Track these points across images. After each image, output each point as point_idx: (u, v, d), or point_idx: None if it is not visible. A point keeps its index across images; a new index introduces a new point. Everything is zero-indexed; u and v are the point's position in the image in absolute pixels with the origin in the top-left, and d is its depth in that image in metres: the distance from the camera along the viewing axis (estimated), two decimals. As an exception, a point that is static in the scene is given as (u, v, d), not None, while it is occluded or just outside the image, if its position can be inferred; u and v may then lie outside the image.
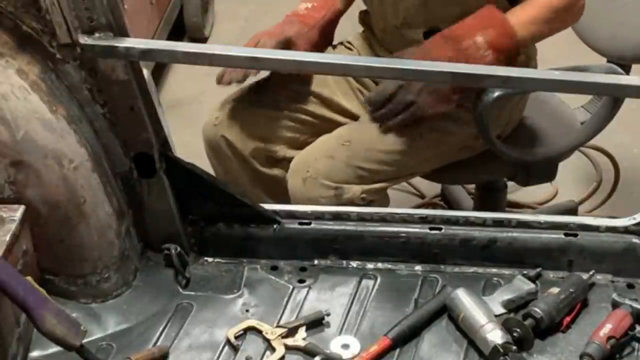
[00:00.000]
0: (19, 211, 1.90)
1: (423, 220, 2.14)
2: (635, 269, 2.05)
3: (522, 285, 2.00)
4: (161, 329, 1.98)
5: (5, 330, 1.83)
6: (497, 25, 2.17)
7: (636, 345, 1.88)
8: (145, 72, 1.99)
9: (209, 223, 2.17)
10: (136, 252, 2.12)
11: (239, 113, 2.49)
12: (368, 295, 2.06)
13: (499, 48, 2.15)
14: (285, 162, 2.52)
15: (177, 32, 4.39)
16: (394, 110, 2.08)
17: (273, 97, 2.52)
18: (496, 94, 2.34)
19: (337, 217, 2.15)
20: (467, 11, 2.35)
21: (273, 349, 1.91)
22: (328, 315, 1.98)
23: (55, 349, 1.83)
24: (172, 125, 2.14)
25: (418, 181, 3.24)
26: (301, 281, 2.10)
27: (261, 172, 2.54)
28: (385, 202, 2.56)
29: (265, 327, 1.95)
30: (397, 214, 2.15)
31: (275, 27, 2.54)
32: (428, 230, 2.12)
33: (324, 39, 2.56)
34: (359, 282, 2.09)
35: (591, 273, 2.02)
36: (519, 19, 2.23)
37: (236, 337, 1.94)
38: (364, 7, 2.59)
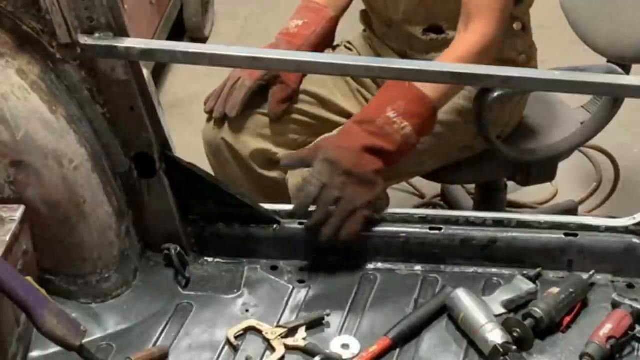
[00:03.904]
0: (19, 211, 1.90)
1: (423, 220, 2.14)
2: (635, 269, 2.05)
3: (522, 285, 2.00)
4: (161, 329, 1.98)
5: (5, 330, 1.83)
6: (404, 94, 2.16)
7: (636, 345, 1.88)
8: (145, 72, 1.99)
9: (209, 223, 2.17)
10: (136, 252, 2.12)
11: (238, 115, 2.48)
12: (368, 295, 2.06)
13: (413, 115, 2.14)
14: (284, 164, 2.52)
15: (177, 32, 4.39)
16: (325, 212, 2.04)
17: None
18: (496, 94, 2.34)
19: (337, 217, 2.15)
20: None
21: (273, 349, 1.91)
22: (328, 315, 1.98)
23: (55, 349, 1.83)
24: (172, 125, 2.14)
25: (418, 181, 3.24)
26: (301, 281, 2.10)
27: (260, 174, 2.54)
28: (385, 202, 2.56)
29: (265, 327, 1.95)
30: (397, 214, 2.15)
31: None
32: (428, 230, 2.12)
33: None
34: (359, 282, 2.09)
35: (591, 273, 2.02)
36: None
37: (236, 337, 1.94)
38: (364, 7, 2.59)
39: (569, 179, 3.42)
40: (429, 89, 2.19)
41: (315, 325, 1.97)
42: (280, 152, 2.51)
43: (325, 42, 2.56)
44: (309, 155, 2.13)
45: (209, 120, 2.53)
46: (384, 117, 2.13)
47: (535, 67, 2.52)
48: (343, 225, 2.06)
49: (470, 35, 2.24)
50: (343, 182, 2.06)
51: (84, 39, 1.88)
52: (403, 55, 2.48)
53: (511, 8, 2.27)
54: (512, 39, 2.43)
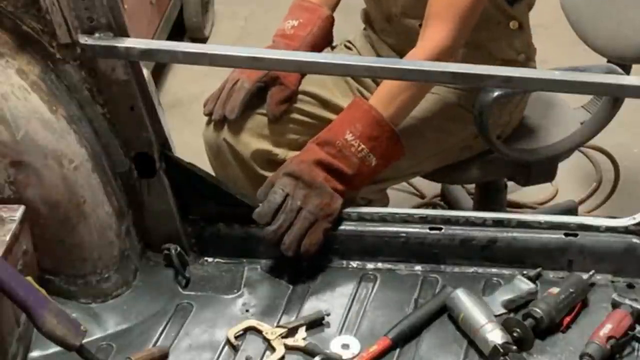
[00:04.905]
0: (19, 211, 1.90)
1: (423, 220, 2.14)
2: (635, 269, 2.05)
3: (522, 285, 2.00)
4: (161, 329, 1.99)
5: (5, 330, 1.83)
6: (362, 116, 2.19)
7: (636, 345, 1.88)
8: (145, 72, 1.99)
9: (209, 223, 2.17)
10: (136, 252, 2.12)
11: (238, 117, 2.48)
12: (368, 295, 2.06)
13: (370, 138, 2.17)
14: (284, 165, 2.52)
15: (177, 32, 4.39)
16: (286, 220, 2.07)
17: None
18: (496, 93, 2.34)
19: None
20: None
21: (273, 349, 1.91)
22: (328, 315, 1.98)
23: (55, 349, 1.83)
24: (172, 125, 2.14)
25: (418, 181, 3.24)
26: (301, 281, 2.10)
27: (261, 175, 2.53)
28: (385, 202, 2.56)
29: (265, 327, 1.95)
30: (397, 214, 2.15)
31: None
32: (428, 230, 2.12)
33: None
34: (359, 282, 2.09)
35: (591, 273, 2.02)
36: (380, 98, 2.23)
37: (236, 337, 1.94)
38: (365, 5, 2.59)
39: (569, 179, 3.42)
40: (384, 106, 2.20)
41: (315, 325, 1.97)
42: (281, 153, 2.51)
43: (322, 42, 2.56)
44: (274, 175, 2.17)
45: (208, 122, 2.52)
46: (342, 139, 2.16)
47: (534, 67, 2.52)
48: (305, 235, 2.08)
49: (425, 42, 2.24)
50: (306, 194, 2.10)
51: (84, 39, 1.89)
52: (401, 52, 2.48)
53: (477, 13, 2.25)
54: (510, 39, 2.43)
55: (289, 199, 2.09)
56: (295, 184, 2.10)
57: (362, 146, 2.16)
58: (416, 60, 2.18)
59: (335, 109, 2.54)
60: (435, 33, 2.22)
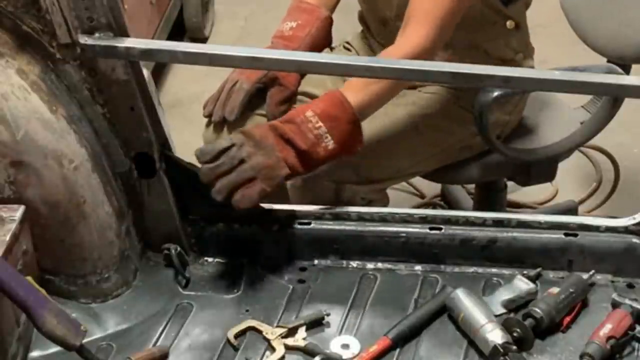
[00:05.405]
0: (19, 211, 1.90)
1: (423, 220, 2.14)
2: (635, 269, 2.05)
3: (522, 285, 2.00)
4: (161, 329, 1.99)
5: (5, 330, 1.83)
6: (327, 98, 2.18)
7: (636, 345, 1.88)
8: (145, 72, 1.99)
9: (209, 223, 2.17)
10: (136, 252, 2.12)
11: (237, 118, 2.48)
12: (368, 295, 2.06)
13: (329, 117, 2.13)
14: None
15: (177, 32, 4.39)
16: (225, 163, 2.04)
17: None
18: (495, 93, 2.34)
19: (337, 217, 2.15)
20: None
21: (273, 349, 1.91)
22: (328, 315, 1.98)
23: (55, 349, 1.83)
24: (172, 125, 2.14)
25: (418, 181, 3.24)
26: (301, 281, 2.10)
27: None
28: (385, 202, 2.56)
29: (265, 327, 1.95)
30: (397, 214, 2.15)
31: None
32: (428, 230, 2.12)
33: None
34: (359, 282, 2.09)
35: (591, 273, 2.02)
36: (351, 85, 2.21)
37: (236, 337, 1.94)
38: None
39: (569, 179, 3.42)
40: (353, 92, 2.18)
41: (315, 325, 1.97)
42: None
43: (321, 43, 2.55)
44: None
45: (208, 124, 2.53)
46: (302, 116, 2.13)
47: (532, 66, 2.52)
48: (239, 188, 2.04)
49: (403, 42, 2.22)
50: (252, 152, 2.06)
51: (84, 39, 1.89)
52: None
53: (457, 16, 2.24)
54: (507, 38, 2.43)
55: (234, 147, 2.05)
56: (244, 140, 2.07)
57: (320, 124, 2.12)
58: (391, 58, 2.17)
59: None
60: (413, 33, 2.21)
